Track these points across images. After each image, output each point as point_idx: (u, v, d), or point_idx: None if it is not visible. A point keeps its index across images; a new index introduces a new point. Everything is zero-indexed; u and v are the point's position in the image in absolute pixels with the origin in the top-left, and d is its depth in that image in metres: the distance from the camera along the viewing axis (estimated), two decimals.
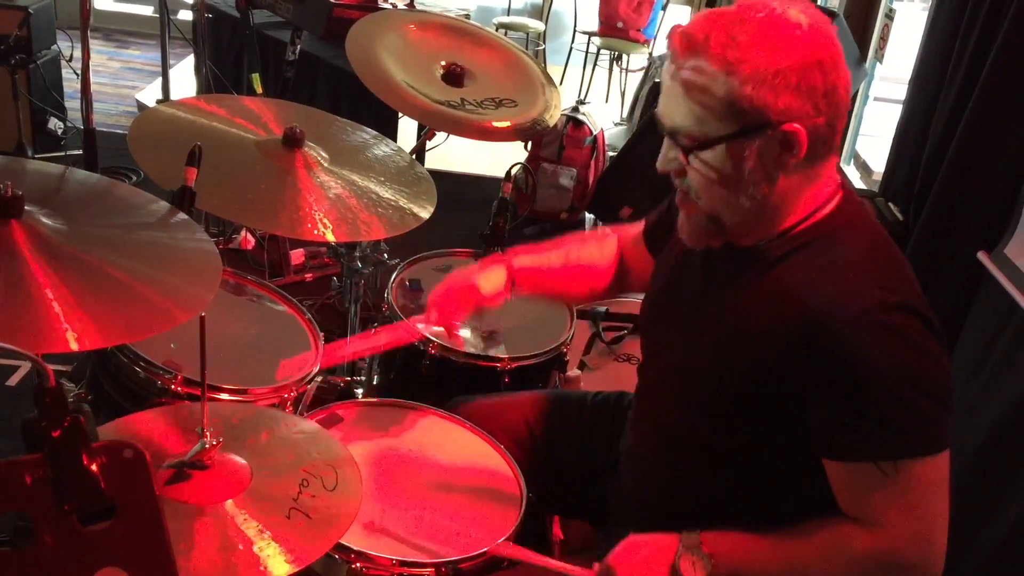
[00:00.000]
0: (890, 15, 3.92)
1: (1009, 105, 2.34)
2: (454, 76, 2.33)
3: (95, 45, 5.29)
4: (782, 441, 1.25)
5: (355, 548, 1.30)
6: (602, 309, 2.36)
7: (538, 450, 1.63)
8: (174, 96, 3.79)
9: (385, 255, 2.18)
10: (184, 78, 4.49)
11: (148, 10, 6.16)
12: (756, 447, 1.28)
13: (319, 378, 1.68)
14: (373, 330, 1.89)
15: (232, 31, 4.03)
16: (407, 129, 4.18)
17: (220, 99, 2.13)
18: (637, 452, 1.48)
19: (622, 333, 2.32)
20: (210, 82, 3.45)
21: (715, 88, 1.15)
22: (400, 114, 3.48)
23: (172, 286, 1.22)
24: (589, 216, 4.10)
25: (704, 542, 1.26)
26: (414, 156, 2.10)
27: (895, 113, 3.39)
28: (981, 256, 2.33)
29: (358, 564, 1.30)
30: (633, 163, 3.74)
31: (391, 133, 3.26)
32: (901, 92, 3.39)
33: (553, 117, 2.35)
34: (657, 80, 4.34)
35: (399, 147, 2.06)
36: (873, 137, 4.40)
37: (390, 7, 3.74)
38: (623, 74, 5.92)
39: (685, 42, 1.17)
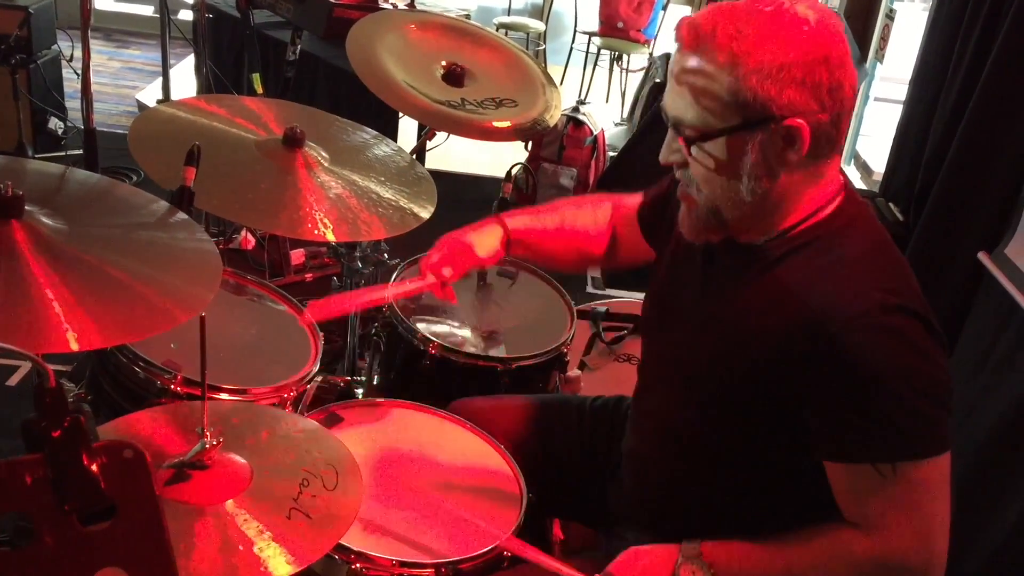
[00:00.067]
0: (890, 15, 3.93)
1: (1009, 105, 2.35)
2: (454, 76, 2.33)
3: (95, 45, 5.30)
4: (782, 441, 1.24)
5: (355, 548, 1.30)
6: (602, 309, 2.35)
7: (538, 452, 1.63)
8: (174, 96, 3.79)
9: (385, 255, 2.18)
10: (184, 78, 4.49)
11: (148, 10, 6.16)
12: (756, 447, 1.28)
13: (319, 378, 1.68)
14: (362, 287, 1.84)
15: (232, 31, 4.03)
16: (407, 129, 4.18)
17: (220, 99, 2.12)
18: (637, 452, 1.48)
19: (622, 333, 2.31)
20: (210, 82, 3.45)
21: (720, 80, 1.15)
22: (400, 114, 3.48)
23: (172, 286, 1.22)
24: None
25: (704, 552, 1.26)
26: (414, 156, 2.10)
27: (895, 113, 3.39)
28: (981, 256, 2.33)
29: (358, 564, 1.30)
30: (633, 163, 3.74)
31: (391, 133, 3.25)
32: (901, 92, 3.39)
33: (553, 117, 2.35)
34: (658, 80, 4.34)
35: (399, 147, 2.05)
36: (873, 137, 4.40)
37: (390, 7, 3.74)
38: (623, 74, 5.91)
39: (692, 33, 1.18)
